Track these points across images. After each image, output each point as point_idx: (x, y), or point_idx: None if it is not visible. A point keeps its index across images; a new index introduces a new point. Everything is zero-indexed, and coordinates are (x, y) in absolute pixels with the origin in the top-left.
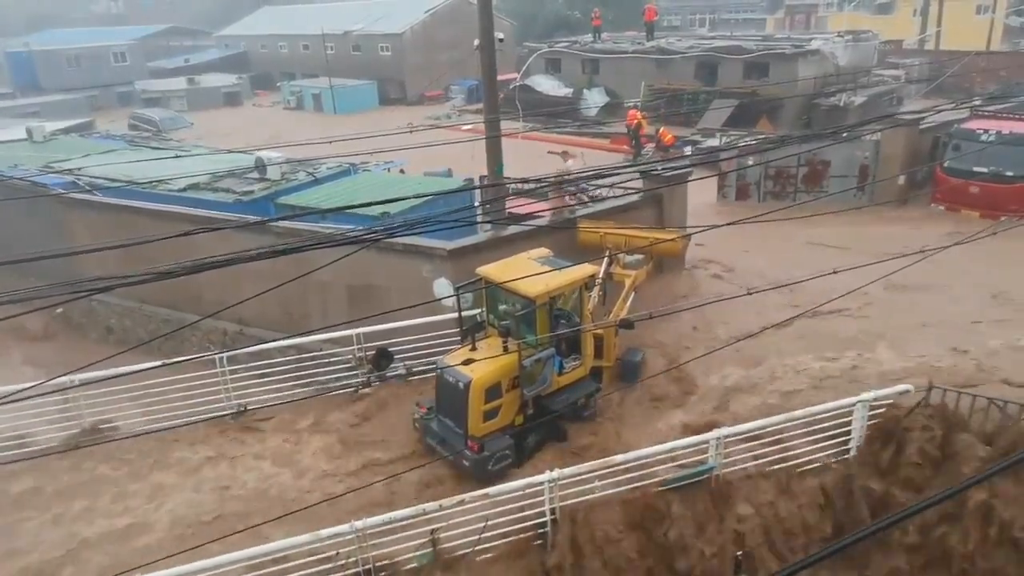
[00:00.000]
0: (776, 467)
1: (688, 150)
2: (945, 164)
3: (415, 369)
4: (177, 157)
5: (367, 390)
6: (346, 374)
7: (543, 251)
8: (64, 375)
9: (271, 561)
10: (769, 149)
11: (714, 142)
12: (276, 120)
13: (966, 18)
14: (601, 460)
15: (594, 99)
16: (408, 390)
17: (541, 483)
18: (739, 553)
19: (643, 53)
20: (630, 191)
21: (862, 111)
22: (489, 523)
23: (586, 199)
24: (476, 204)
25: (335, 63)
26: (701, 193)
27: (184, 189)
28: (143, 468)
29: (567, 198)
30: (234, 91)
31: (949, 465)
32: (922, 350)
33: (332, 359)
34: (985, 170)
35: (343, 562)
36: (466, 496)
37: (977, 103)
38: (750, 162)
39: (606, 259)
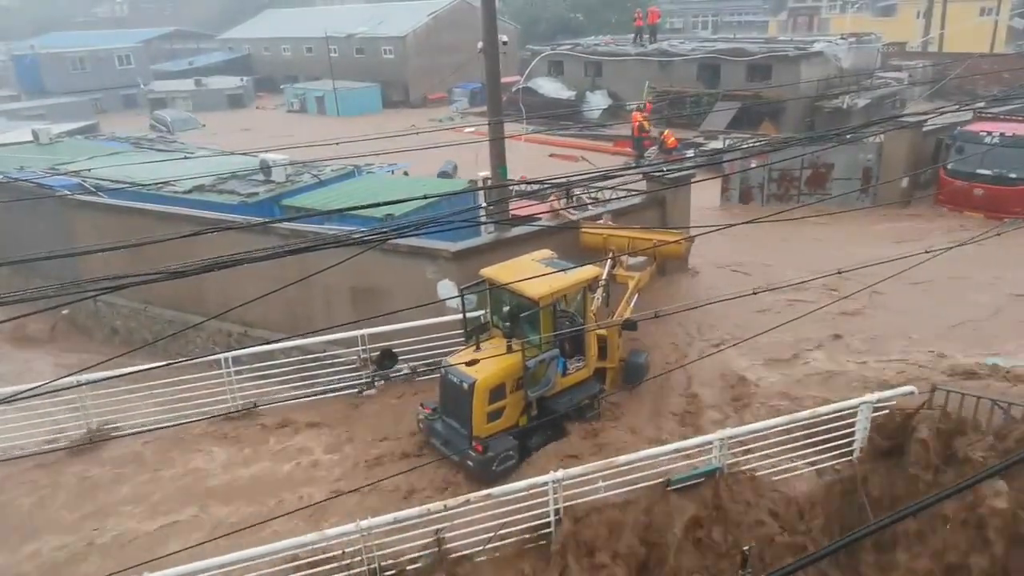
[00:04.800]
0: (780, 468)
1: (690, 152)
2: (949, 166)
3: (419, 370)
4: (184, 159)
5: (371, 391)
6: (350, 375)
7: (546, 253)
8: (70, 375)
9: (276, 560)
10: (773, 151)
11: (717, 144)
12: (280, 123)
13: (969, 20)
14: (605, 460)
15: (597, 102)
16: (412, 391)
17: (545, 483)
18: (746, 548)
19: (646, 55)
20: (633, 192)
21: (865, 113)
22: (497, 524)
23: (585, 202)
24: (481, 205)
25: (338, 66)
26: (705, 197)
27: (189, 191)
28: (146, 468)
29: (563, 201)
30: (238, 94)
31: (952, 467)
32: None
33: (336, 360)
34: (989, 172)
35: (348, 561)
36: (471, 496)
37: (981, 105)
38: (753, 164)
39: (609, 261)
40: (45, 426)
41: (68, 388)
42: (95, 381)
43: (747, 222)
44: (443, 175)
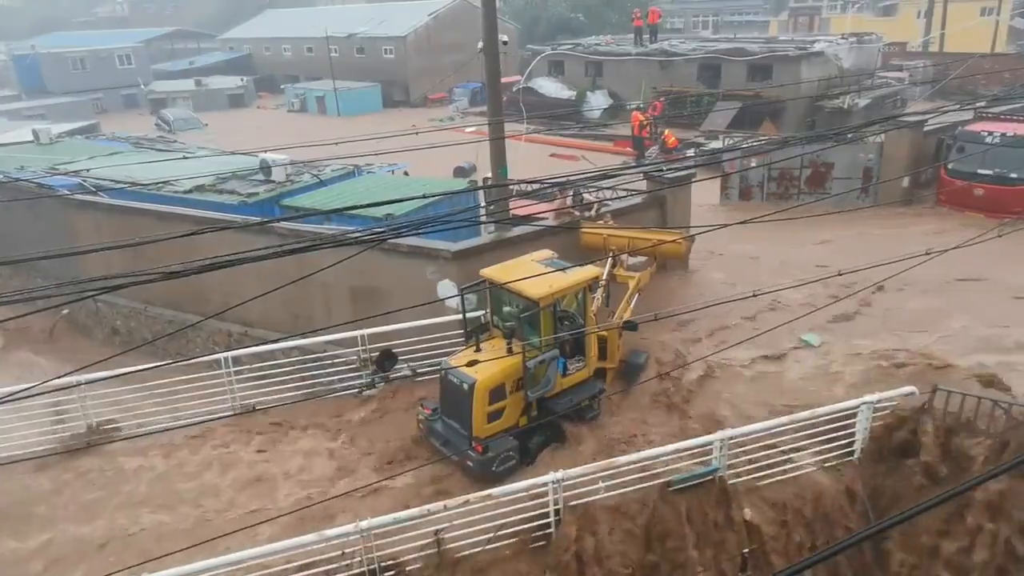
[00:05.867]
0: (780, 468)
1: (690, 152)
2: (949, 166)
3: (419, 370)
4: (184, 158)
5: (371, 391)
6: (350, 375)
7: (547, 253)
8: (70, 375)
9: (276, 560)
10: (773, 150)
11: (717, 144)
12: (281, 123)
13: (970, 20)
14: (605, 461)
15: (597, 101)
16: (413, 391)
17: (545, 484)
18: (745, 551)
19: (646, 55)
20: (634, 192)
21: (866, 113)
22: (498, 524)
23: (591, 201)
24: (481, 205)
25: (339, 66)
26: (704, 195)
27: (189, 191)
28: (146, 468)
29: (568, 200)
30: (238, 93)
31: (953, 467)
32: None
33: (336, 360)
34: (989, 172)
35: (348, 562)
36: (471, 496)
37: (981, 105)
38: (753, 164)
39: (609, 261)
40: (44, 426)
41: (68, 388)
42: (95, 381)
43: (746, 222)
44: (459, 171)
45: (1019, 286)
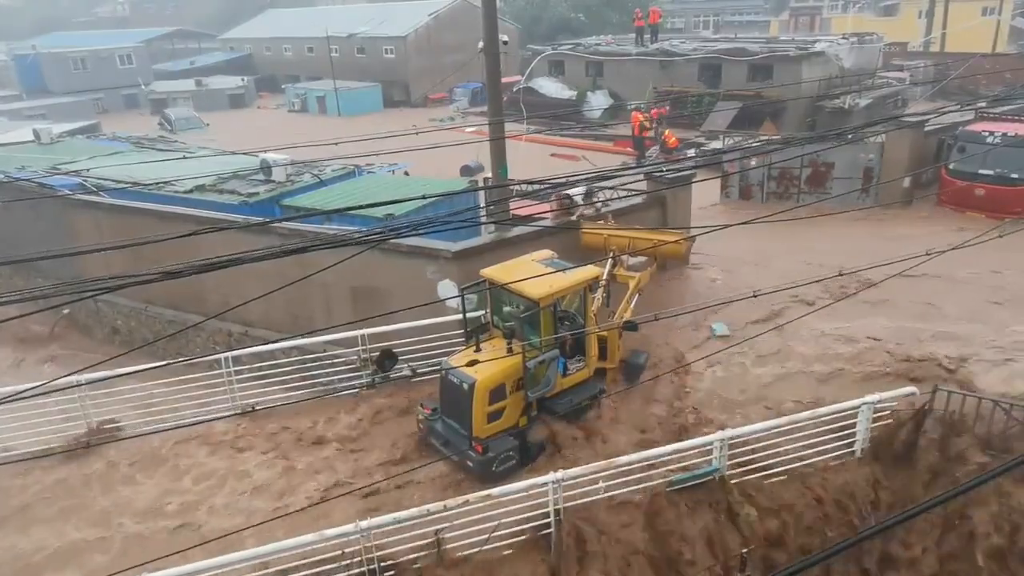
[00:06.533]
0: (780, 469)
1: (691, 152)
2: (950, 166)
3: (419, 370)
4: (184, 158)
5: (372, 391)
6: (350, 375)
7: (547, 253)
8: (70, 375)
9: (275, 561)
10: (774, 151)
11: (718, 144)
12: (281, 122)
13: (971, 20)
14: (606, 461)
15: (597, 101)
16: (412, 391)
17: (545, 484)
18: (744, 551)
19: (647, 55)
20: (635, 192)
21: (867, 113)
22: (498, 524)
23: (578, 203)
24: (481, 206)
25: (339, 66)
26: (705, 195)
27: (190, 191)
28: (146, 469)
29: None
30: (239, 93)
31: (953, 467)
32: None
33: (336, 360)
34: (990, 172)
35: (348, 562)
36: (471, 496)
37: (982, 105)
38: (752, 164)
39: (610, 261)
40: (43, 426)
41: (68, 388)
42: (95, 381)
43: (747, 222)
44: (465, 169)
45: (965, 281)
